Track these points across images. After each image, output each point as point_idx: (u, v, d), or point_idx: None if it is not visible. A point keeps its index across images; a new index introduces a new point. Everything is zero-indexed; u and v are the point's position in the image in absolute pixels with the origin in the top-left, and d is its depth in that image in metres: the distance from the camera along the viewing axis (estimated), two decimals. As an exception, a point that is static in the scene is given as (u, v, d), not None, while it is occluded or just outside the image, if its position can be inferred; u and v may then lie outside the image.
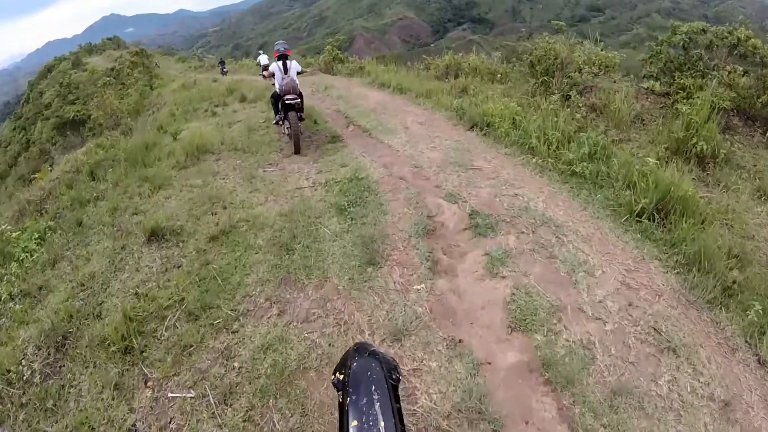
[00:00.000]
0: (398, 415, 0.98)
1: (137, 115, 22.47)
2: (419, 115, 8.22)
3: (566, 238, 3.94)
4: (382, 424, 0.93)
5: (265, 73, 7.82)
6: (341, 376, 1.09)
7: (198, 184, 6.02)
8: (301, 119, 7.12)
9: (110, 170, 7.62)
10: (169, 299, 3.82)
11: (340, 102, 10.25)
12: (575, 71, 7.99)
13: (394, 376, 1.09)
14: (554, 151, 5.55)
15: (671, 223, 4.15)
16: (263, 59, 19.30)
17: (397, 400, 1.03)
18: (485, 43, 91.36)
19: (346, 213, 4.51)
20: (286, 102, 6.61)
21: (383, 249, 3.88)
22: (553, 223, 4.12)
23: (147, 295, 3.92)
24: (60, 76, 42.29)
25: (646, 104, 7.48)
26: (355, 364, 1.10)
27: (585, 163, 5.00)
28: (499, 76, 9.76)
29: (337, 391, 1.08)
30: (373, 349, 1.20)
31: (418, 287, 3.44)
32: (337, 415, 1.10)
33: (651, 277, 3.61)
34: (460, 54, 11.70)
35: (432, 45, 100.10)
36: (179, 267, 4.30)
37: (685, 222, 4.06)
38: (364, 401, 0.97)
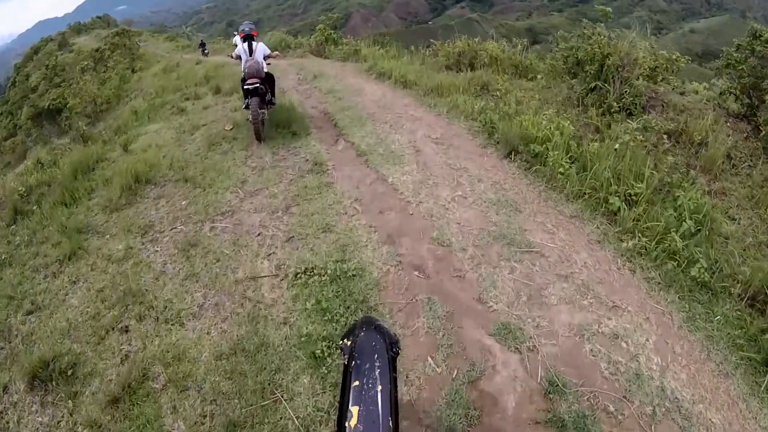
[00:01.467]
0: (394, 383, 1.06)
1: (118, 101, 20.47)
2: (433, 125, 6.10)
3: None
4: (379, 387, 1.01)
5: (232, 54, 6.69)
6: (349, 342, 1.15)
7: (117, 255, 4.02)
8: (270, 104, 6.46)
9: (36, 207, 5.72)
10: None
11: (330, 99, 8.07)
12: (638, 77, 5.85)
13: (394, 350, 1.14)
14: (642, 216, 3.54)
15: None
16: (238, 40, 17.28)
17: (395, 370, 1.09)
18: (484, 22, 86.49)
19: (325, 367, 2.50)
20: (245, 87, 5.83)
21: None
22: (680, 411, 2.21)
23: None
24: (46, 58, 39.38)
25: (726, 129, 5.38)
26: (362, 333, 1.16)
27: (700, 265, 3.00)
28: (531, 75, 7.57)
29: (344, 354, 1.15)
30: (378, 323, 1.24)
31: None
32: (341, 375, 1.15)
33: None
34: (476, 39, 9.34)
35: (430, 23, 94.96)
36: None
37: None
38: (367, 366, 1.04)
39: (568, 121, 5.05)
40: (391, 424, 0.98)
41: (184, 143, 6.96)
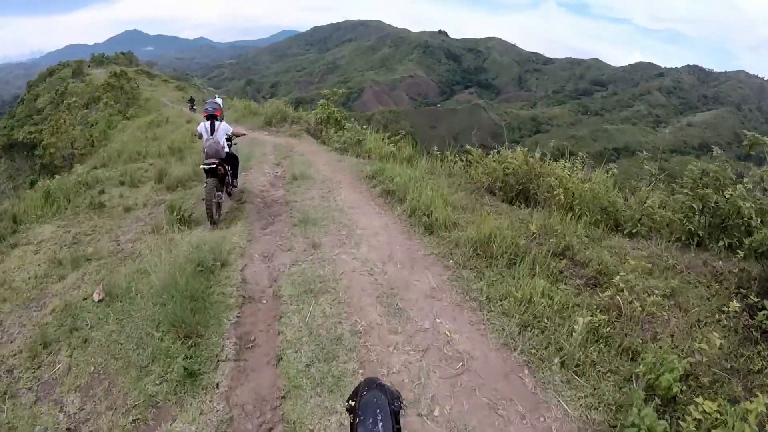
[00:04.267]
0: None
1: (101, 145, 17.31)
2: (496, 403, 2.52)
3: None
4: None
5: (195, 131, 5.84)
6: (353, 403, 1.18)
7: None
8: (232, 186, 5.97)
9: None
10: None
11: (298, 245, 4.47)
12: None
13: (396, 404, 1.17)
14: None
15: None
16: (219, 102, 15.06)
17: (398, 422, 1.10)
18: (490, 109, 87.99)
19: None
20: (201, 167, 5.34)
21: None
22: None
23: None
24: (58, 83, 37.67)
25: None
26: (365, 393, 1.19)
27: None
28: (630, 228, 4.20)
29: (349, 414, 1.17)
30: (380, 382, 1.26)
31: None
32: None
33: None
34: (535, 153, 5.85)
35: (438, 105, 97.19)
36: None
37: None
38: (370, 421, 1.06)
39: None
40: None
41: (34, 304, 3.81)
